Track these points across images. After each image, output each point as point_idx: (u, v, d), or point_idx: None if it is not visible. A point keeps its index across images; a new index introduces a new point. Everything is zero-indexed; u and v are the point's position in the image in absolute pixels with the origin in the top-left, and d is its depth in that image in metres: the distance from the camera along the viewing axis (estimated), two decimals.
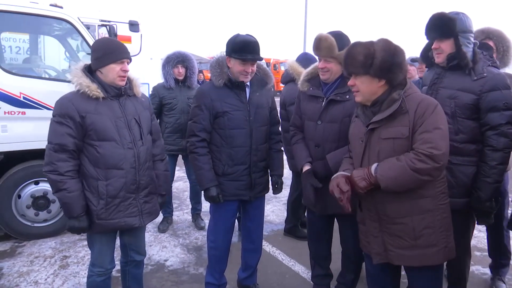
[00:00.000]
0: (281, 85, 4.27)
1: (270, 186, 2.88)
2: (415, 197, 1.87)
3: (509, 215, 2.37)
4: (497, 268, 3.09)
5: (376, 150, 1.91)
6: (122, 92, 2.25)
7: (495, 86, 2.19)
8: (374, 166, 1.87)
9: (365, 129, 1.97)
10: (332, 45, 2.35)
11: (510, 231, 2.90)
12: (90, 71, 2.21)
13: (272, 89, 2.86)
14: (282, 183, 2.86)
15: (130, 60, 2.26)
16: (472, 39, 2.31)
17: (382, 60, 1.83)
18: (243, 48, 2.47)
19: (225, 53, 2.59)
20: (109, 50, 2.16)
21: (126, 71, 2.21)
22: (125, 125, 2.23)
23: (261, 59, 2.54)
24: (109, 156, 2.16)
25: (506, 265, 3.09)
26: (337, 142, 2.43)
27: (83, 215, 2.14)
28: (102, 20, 6.70)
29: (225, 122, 2.55)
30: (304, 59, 3.59)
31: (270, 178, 2.85)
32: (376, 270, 2.12)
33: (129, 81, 2.32)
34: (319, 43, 2.38)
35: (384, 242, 1.96)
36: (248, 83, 2.63)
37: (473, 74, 2.24)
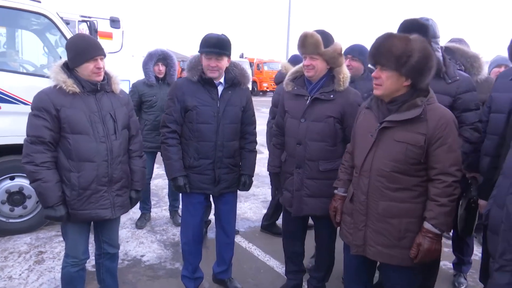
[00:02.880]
0: (273, 85, 4.35)
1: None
2: (412, 202, 1.89)
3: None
4: (459, 264, 3.25)
5: (387, 150, 1.89)
6: (99, 87, 2.29)
7: (468, 88, 2.42)
8: (427, 225, 1.84)
9: (377, 125, 1.94)
10: (318, 41, 2.37)
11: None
12: (69, 67, 2.25)
13: (248, 90, 2.90)
14: (251, 182, 2.90)
15: (104, 56, 2.30)
16: (439, 44, 2.44)
17: (418, 61, 1.78)
18: (206, 43, 2.54)
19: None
20: (80, 50, 2.20)
21: (100, 68, 2.24)
22: (100, 119, 2.27)
23: (223, 52, 2.54)
24: (81, 149, 2.21)
25: (468, 263, 3.24)
26: (320, 141, 2.47)
27: (59, 204, 2.18)
28: (82, 16, 6.63)
29: (194, 116, 2.61)
30: (296, 60, 3.68)
31: (240, 176, 2.86)
32: (352, 263, 2.17)
33: (108, 77, 2.36)
34: (305, 40, 2.41)
35: (365, 237, 1.99)
36: (223, 81, 2.68)
37: (446, 77, 2.39)
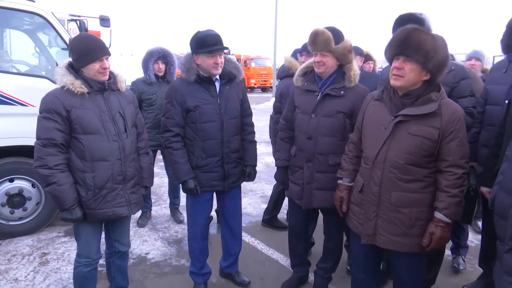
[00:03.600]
0: (273, 81, 4.39)
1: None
2: (422, 192, 1.96)
3: None
4: (456, 248, 3.39)
5: (402, 143, 1.94)
6: (106, 86, 2.29)
7: (463, 76, 2.55)
8: (439, 215, 1.91)
9: (390, 117, 1.98)
10: (329, 38, 2.41)
11: None
12: (74, 67, 2.25)
13: (243, 83, 2.94)
14: (255, 172, 2.96)
15: (110, 55, 2.30)
16: None
17: (442, 59, 1.86)
18: (207, 42, 2.53)
19: (191, 52, 2.64)
20: (85, 51, 2.19)
21: (105, 68, 2.25)
22: (110, 118, 2.28)
23: (226, 48, 2.59)
24: (94, 149, 2.21)
25: (464, 246, 3.39)
26: (330, 136, 2.51)
27: (75, 207, 2.18)
28: (71, 15, 6.56)
29: (197, 116, 2.62)
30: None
31: (244, 168, 2.91)
32: (361, 251, 2.23)
33: (113, 76, 2.37)
34: (316, 37, 2.44)
35: (376, 226, 2.05)
36: (218, 77, 2.69)
37: None
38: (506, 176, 1.69)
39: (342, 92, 2.50)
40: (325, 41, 2.42)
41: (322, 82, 2.56)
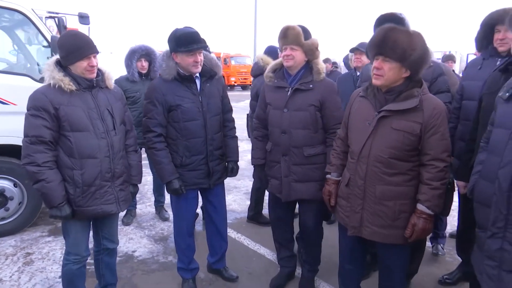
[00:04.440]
0: (241, 79, 4.42)
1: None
2: (405, 185, 2.02)
3: None
4: (435, 238, 3.57)
5: (385, 138, 1.99)
6: (94, 84, 2.29)
7: (441, 72, 2.67)
8: (421, 207, 1.98)
9: (374, 113, 2.04)
10: (300, 33, 2.51)
11: None
12: (61, 64, 2.24)
13: (222, 79, 2.96)
14: (238, 168, 3.00)
15: (97, 53, 2.30)
16: None
17: (420, 55, 1.90)
18: (187, 40, 2.53)
19: (169, 50, 2.63)
20: (73, 49, 2.18)
21: (93, 66, 2.24)
22: (98, 116, 2.28)
23: (206, 46, 2.61)
24: (83, 146, 2.21)
25: (442, 236, 3.58)
26: (303, 129, 2.59)
27: (64, 204, 2.18)
28: (49, 12, 6.43)
29: (179, 115, 2.62)
30: (271, 52, 3.76)
31: (226, 164, 2.95)
32: (347, 244, 2.31)
33: (102, 73, 2.37)
34: (287, 31, 2.53)
35: (362, 219, 2.11)
36: (198, 75, 2.70)
37: None
38: (486, 165, 1.77)
39: (311, 86, 2.59)
40: (296, 35, 2.51)
41: (292, 78, 2.64)
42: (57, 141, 2.20)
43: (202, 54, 2.62)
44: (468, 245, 2.33)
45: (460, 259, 3.08)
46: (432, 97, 2.04)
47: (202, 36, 2.62)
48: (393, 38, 1.90)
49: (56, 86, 2.17)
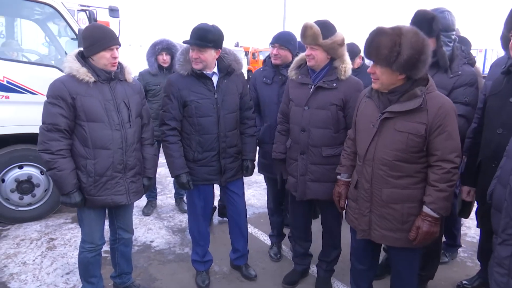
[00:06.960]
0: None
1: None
2: (413, 188, 1.96)
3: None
4: (447, 245, 3.38)
5: (389, 140, 1.94)
6: (113, 76, 2.34)
7: (463, 82, 2.40)
8: (426, 209, 1.92)
9: (378, 114, 1.98)
10: (316, 33, 2.43)
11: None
12: (84, 56, 2.30)
13: (243, 75, 2.92)
14: (253, 167, 2.96)
15: (120, 45, 2.35)
16: (453, 36, 2.44)
17: (408, 58, 1.78)
18: (191, 34, 2.54)
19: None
20: (97, 39, 2.24)
21: (115, 57, 2.29)
22: (114, 107, 2.33)
23: (201, 45, 2.51)
24: (97, 136, 2.26)
25: (452, 245, 3.40)
26: (323, 128, 2.53)
27: (74, 192, 2.24)
28: (81, 5, 6.61)
29: (193, 110, 2.63)
30: (301, 48, 3.71)
31: (242, 162, 2.91)
32: (359, 245, 2.27)
33: (121, 67, 2.41)
34: (305, 31, 2.46)
35: (370, 221, 2.07)
36: (216, 71, 2.69)
37: (449, 72, 2.40)
38: (503, 170, 1.70)
39: (334, 85, 2.51)
40: (313, 35, 2.44)
41: (315, 74, 2.58)
42: (72, 130, 2.26)
43: (206, 53, 2.54)
44: (489, 252, 2.24)
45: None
46: (439, 95, 1.94)
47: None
48: (376, 43, 1.83)
49: (72, 75, 2.23)
